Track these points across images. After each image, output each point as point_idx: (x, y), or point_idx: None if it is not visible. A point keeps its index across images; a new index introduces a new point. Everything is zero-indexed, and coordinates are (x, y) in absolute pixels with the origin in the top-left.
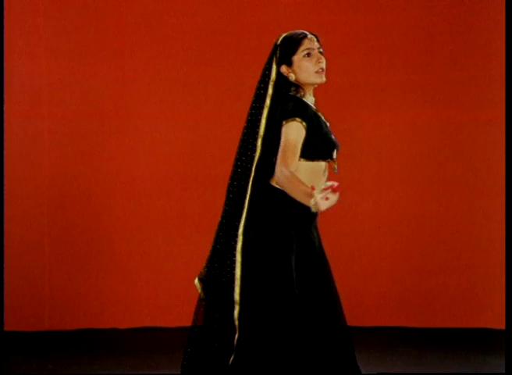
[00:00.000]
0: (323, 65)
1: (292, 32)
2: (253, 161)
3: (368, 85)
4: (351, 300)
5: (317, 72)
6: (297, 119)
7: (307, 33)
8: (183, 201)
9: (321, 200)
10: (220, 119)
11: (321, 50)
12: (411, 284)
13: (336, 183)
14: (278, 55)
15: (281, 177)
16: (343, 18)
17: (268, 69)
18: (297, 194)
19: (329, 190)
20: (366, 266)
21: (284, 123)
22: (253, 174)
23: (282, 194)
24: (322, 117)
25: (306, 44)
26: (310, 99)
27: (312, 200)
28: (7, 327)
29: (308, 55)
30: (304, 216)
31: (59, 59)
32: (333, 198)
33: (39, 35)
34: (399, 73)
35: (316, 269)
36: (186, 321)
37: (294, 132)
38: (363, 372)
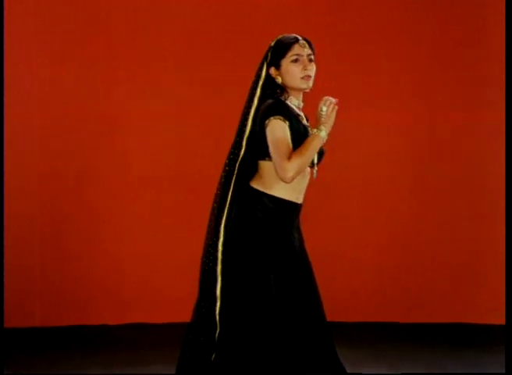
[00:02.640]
0: (310, 72)
1: (286, 35)
2: (238, 159)
3: (358, 85)
4: (337, 296)
5: (302, 78)
6: (280, 117)
7: (300, 38)
8: (173, 200)
9: (324, 129)
10: (211, 118)
11: (311, 57)
12: (396, 280)
13: (322, 107)
14: (269, 57)
15: (291, 173)
16: (332, 17)
17: (260, 69)
18: (314, 151)
19: (321, 113)
20: (353, 262)
21: (267, 122)
22: (235, 172)
23: (260, 197)
24: (304, 121)
25: (296, 49)
26: (295, 102)
27: (321, 137)
28: None
29: (296, 60)
30: (283, 217)
31: (50, 58)
32: (331, 115)
33: (30, 33)
34: (390, 73)
35: (296, 269)
36: (175, 317)
37: (281, 129)
38: (349, 369)
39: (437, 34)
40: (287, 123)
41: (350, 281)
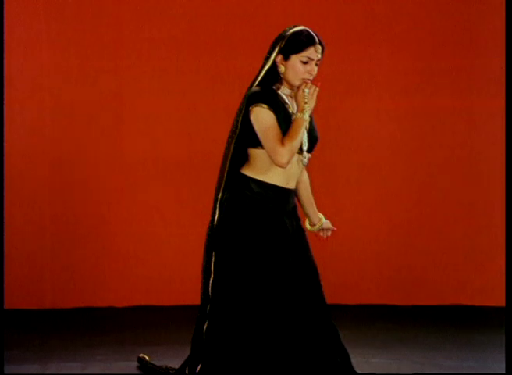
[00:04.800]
0: (311, 77)
1: (305, 31)
2: (235, 137)
3: (358, 73)
4: (336, 278)
5: (303, 79)
6: (263, 105)
7: (317, 41)
8: (179, 184)
9: (306, 110)
10: (215, 105)
11: (318, 62)
12: (395, 263)
13: (305, 89)
14: (282, 45)
15: (287, 157)
16: (332, 6)
17: (270, 52)
18: (302, 133)
19: (304, 95)
20: (352, 245)
21: (250, 108)
22: (231, 152)
23: (248, 182)
24: (291, 109)
25: (310, 52)
26: (286, 91)
27: (305, 119)
28: (9, 305)
29: (306, 62)
30: (272, 202)
31: (59, 47)
32: (313, 95)
33: (39, 22)
34: (390, 61)
35: (287, 251)
36: (183, 300)
37: (266, 117)
38: (349, 351)
39: (437, 22)
40: (272, 111)
41: (350, 264)
